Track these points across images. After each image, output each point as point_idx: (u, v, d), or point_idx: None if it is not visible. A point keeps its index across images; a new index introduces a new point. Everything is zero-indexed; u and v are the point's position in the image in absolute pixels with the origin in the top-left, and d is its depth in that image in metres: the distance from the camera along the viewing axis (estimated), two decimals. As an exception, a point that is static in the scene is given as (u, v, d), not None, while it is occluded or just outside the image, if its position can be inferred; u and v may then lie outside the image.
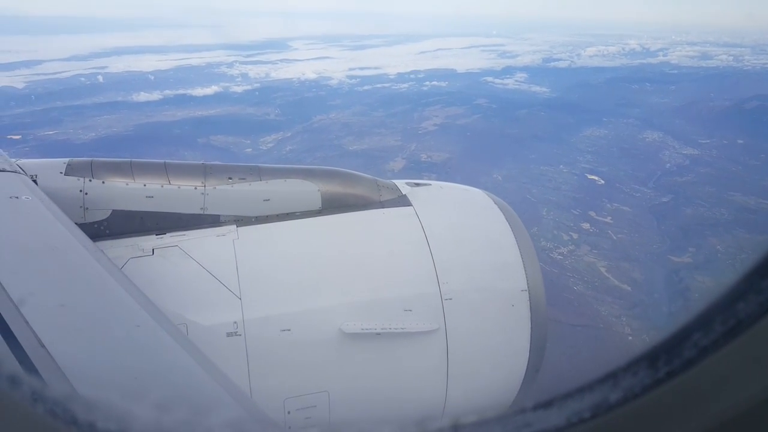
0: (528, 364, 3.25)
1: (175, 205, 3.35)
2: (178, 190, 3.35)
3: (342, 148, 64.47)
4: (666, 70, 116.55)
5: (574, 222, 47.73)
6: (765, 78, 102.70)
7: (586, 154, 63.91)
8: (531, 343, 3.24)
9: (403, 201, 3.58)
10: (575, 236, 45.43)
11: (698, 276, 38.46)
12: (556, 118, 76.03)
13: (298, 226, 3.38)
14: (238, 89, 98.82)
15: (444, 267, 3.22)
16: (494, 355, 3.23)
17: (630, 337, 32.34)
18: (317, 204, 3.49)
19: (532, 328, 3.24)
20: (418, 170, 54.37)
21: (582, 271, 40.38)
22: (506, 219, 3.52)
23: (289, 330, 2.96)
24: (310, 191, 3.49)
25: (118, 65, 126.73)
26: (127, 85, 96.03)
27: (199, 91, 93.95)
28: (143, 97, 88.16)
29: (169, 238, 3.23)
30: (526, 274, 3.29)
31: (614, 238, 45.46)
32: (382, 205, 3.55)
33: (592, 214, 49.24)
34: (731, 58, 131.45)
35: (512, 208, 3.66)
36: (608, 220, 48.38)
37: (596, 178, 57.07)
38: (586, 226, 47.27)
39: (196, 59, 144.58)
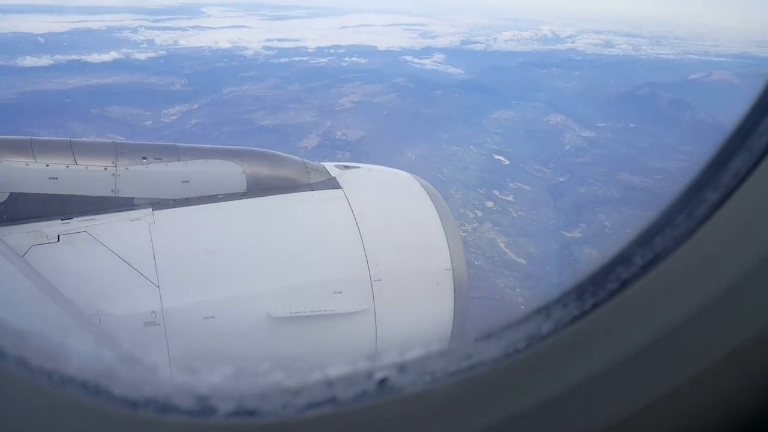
0: (451, 337, 3.32)
1: (83, 188, 3.13)
2: (85, 171, 3.13)
3: (253, 123, 62.41)
4: (572, 57, 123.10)
5: (479, 200, 49.70)
6: (657, 67, 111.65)
7: (495, 135, 66.50)
8: (454, 318, 3.34)
9: (332, 183, 3.56)
10: (479, 214, 47.36)
11: (586, 249, 41.32)
12: (469, 99, 78.23)
13: (222, 210, 3.26)
14: (142, 56, 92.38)
15: (373, 249, 3.24)
16: (420, 331, 3.27)
17: (522, 306, 34.57)
18: (242, 186, 3.38)
19: (455, 304, 3.33)
20: (332, 148, 53.92)
21: (483, 246, 42.32)
22: (432, 202, 3.60)
23: (213, 317, 2.87)
24: (234, 173, 3.36)
25: (2, 25, 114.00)
26: (12, 48, 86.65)
27: (95, 57, 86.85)
28: (30, 61, 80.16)
29: (76, 224, 3.03)
30: (450, 254, 3.37)
31: (515, 215, 47.97)
32: (311, 187, 3.50)
33: (496, 192, 51.51)
34: (630, 47, 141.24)
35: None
36: (510, 198, 50.86)
37: (502, 158, 59.65)
38: (489, 204, 49.39)
39: (95, 22, 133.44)
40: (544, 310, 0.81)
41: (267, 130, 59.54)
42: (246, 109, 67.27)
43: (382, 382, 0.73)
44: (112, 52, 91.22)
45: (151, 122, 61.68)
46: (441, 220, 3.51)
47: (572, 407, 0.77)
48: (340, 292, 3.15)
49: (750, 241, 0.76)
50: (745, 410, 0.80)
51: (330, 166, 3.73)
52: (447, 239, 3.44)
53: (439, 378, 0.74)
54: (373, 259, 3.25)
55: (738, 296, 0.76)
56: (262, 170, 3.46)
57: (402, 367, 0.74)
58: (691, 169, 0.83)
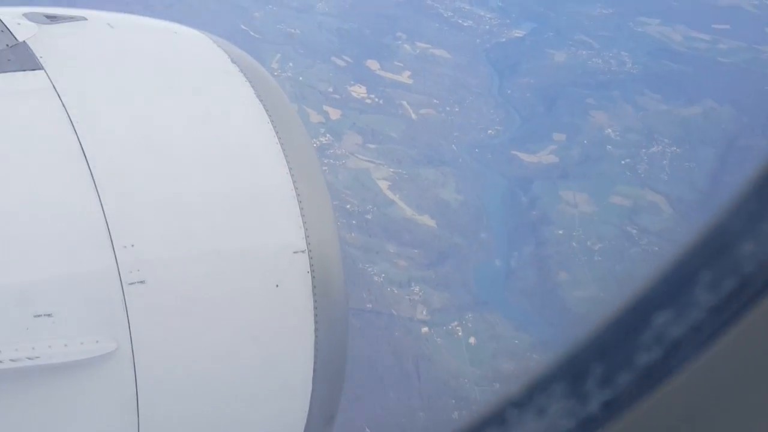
0: (312, 406, 2.10)
1: None
2: None
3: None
4: None
5: (336, 87, 36.17)
6: None
7: None
8: (317, 362, 2.13)
9: (19, 58, 2.08)
10: (334, 114, 34.86)
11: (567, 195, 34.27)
12: None
13: None
14: None
15: (123, 210, 2.03)
16: (236, 399, 2.09)
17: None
18: None
19: (318, 330, 2.12)
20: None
21: (356, 188, 32.05)
22: (259, 98, 2.29)
23: None
24: None
25: None
26: None
27: None
28: None
29: None
30: (302, 214, 2.15)
31: (414, 117, 36.43)
32: None
33: (372, 65, 37.62)
34: None
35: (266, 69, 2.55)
36: (403, 77, 37.75)
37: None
38: (358, 91, 36.27)
39: None
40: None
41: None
42: None
43: None
44: None
45: None
46: (280, 138, 2.23)
47: None
48: (50, 315, 1.90)
49: None
50: None
51: (14, 16, 2.20)
52: (293, 181, 2.21)
53: None
54: (124, 233, 2.00)
55: None
56: None
57: None
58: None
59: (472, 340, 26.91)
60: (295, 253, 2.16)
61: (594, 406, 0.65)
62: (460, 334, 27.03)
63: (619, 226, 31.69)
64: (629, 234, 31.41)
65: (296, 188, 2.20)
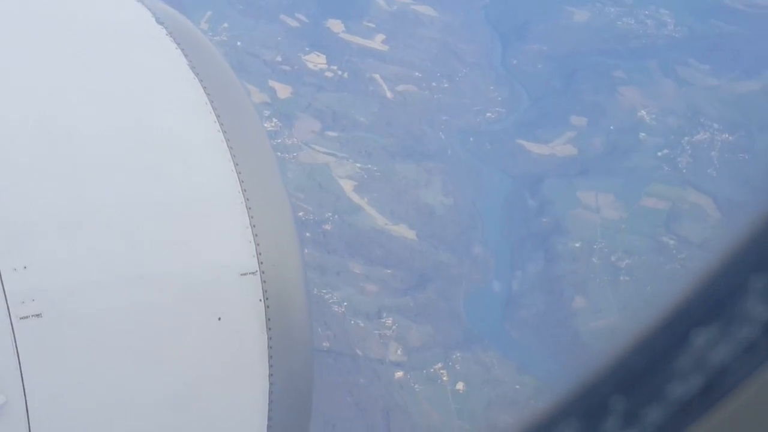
0: None
1: None
2: None
3: None
4: None
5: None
6: None
7: None
8: (271, 419, 2.09)
9: None
10: (282, 93, 35.13)
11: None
12: None
13: None
14: None
15: (15, 224, 1.96)
16: None
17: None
18: None
19: (273, 376, 2.08)
20: None
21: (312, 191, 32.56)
22: (193, 70, 2.22)
23: None
24: None
25: None
26: None
27: None
28: None
29: None
30: (252, 225, 2.09)
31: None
32: None
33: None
34: None
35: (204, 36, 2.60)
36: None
37: None
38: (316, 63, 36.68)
39: None
40: None
41: None
42: None
43: None
44: None
45: None
46: (223, 126, 2.19)
47: None
48: None
49: None
50: None
51: None
52: (240, 182, 2.17)
53: None
54: (13, 252, 1.93)
55: None
56: None
57: None
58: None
59: (460, 386, 27.40)
60: (243, 275, 2.10)
61: None
62: (445, 378, 27.48)
63: (653, 237, 32.19)
64: (666, 246, 31.95)
65: (245, 192, 2.16)
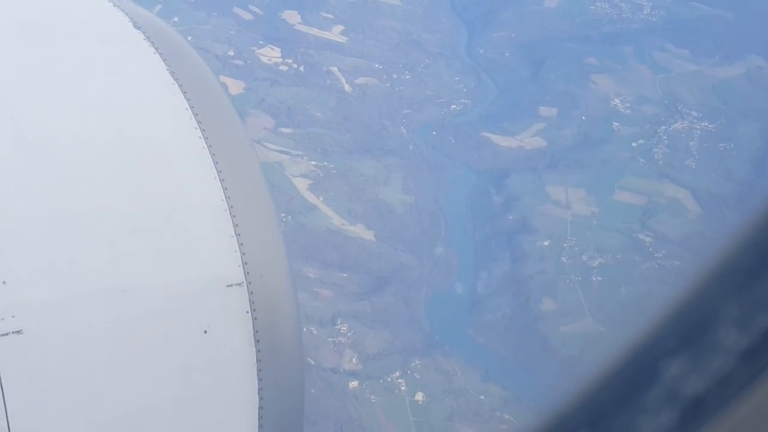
0: None
1: None
2: None
3: None
4: None
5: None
6: None
7: None
8: (262, 426, 2.18)
9: None
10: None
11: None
12: None
13: None
14: None
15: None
16: None
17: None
18: None
19: (262, 390, 2.19)
20: None
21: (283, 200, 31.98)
22: (172, 75, 2.39)
23: None
24: None
25: None
26: None
27: None
28: None
29: None
30: (237, 234, 2.28)
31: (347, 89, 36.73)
32: None
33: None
34: None
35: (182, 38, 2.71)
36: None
37: None
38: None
39: None
40: None
41: None
42: None
43: None
44: None
45: None
46: (204, 133, 2.36)
47: None
48: None
49: None
50: None
51: None
52: (224, 190, 2.33)
53: None
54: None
55: None
56: None
57: None
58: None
59: (419, 396, 26.87)
60: (228, 286, 2.20)
61: None
62: (403, 388, 27.01)
63: (628, 234, 31.72)
64: (641, 244, 31.46)
65: (228, 200, 2.28)
